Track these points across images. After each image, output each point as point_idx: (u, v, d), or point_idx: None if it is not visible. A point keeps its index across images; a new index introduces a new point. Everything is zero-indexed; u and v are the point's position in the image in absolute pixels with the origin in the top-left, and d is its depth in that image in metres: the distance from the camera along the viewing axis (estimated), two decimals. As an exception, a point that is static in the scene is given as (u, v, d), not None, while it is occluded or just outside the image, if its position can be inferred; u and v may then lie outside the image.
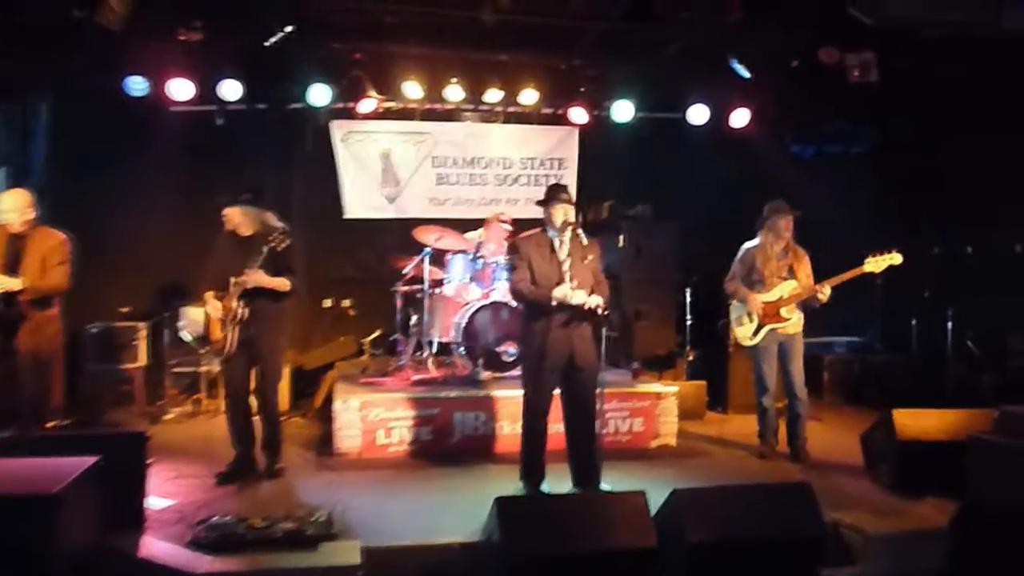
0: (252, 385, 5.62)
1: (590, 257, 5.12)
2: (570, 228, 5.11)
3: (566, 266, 5.08)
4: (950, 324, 7.74)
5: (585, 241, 5.05)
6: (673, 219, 8.65)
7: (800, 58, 7.47)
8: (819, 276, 6.18)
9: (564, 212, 5.14)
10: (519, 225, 7.90)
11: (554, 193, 5.20)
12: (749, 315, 6.35)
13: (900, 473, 5.29)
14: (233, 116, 7.73)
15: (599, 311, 4.93)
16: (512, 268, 5.17)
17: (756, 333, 6.29)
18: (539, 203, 5.26)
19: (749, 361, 6.54)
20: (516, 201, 8.93)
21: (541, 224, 5.28)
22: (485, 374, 6.97)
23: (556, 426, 5.72)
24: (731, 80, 7.86)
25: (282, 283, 5.46)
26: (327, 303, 8.68)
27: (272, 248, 5.32)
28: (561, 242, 5.16)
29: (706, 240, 8.50)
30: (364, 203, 8.66)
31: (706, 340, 8.12)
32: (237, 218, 5.51)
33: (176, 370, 7.55)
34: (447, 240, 7.52)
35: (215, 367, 7.33)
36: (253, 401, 5.67)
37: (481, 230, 7.84)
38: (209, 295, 5.50)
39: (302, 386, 7.79)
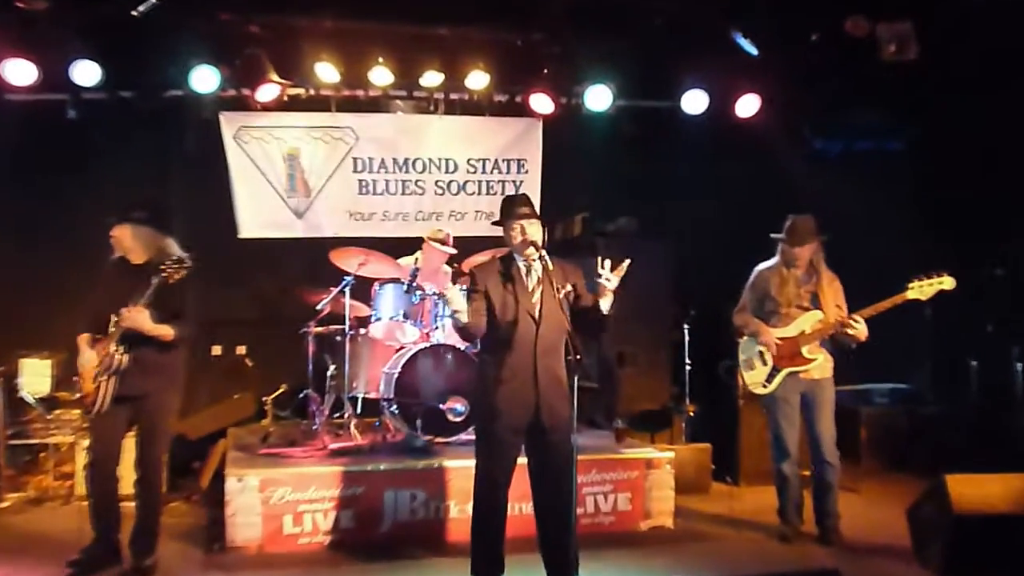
0: (133, 458, 5.60)
1: (569, 287, 5.22)
2: (536, 251, 5.19)
3: (535, 298, 5.17)
4: (1020, 366, 7.88)
5: (551, 266, 5.13)
6: (665, 236, 8.76)
7: (822, 31, 7.63)
8: (852, 306, 6.26)
9: (524, 230, 5.24)
10: (466, 246, 8.00)
11: (512, 206, 5.28)
12: (762, 356, 6.45)
13: (955, 555, 5.30)
14: (90, 107, 7.71)
15: (572, 355, 4.99)
16: (468, 299, 5.26)
17: (771, 379, 6.38)
18: (495, 222, 5.37)
19: (764, 416, 6.64)
20: (462, 215, 9.01)
21: (500, 244, 5.42)
22: (426, 439, 6.99)
23: (521, 505, 5.74)
24: (736, 59, 8.02)
25: (163, 332, 5.45)
26: (216, 351, 8.75)
27: (163, 281, 5.29)
28: (528, 268, 5.24)
29: (708, 262, 8.63)
30: (264, 219, 8.71)
31: (710, 390, 8.23)
32: (127, 241, 5.52)
33: (14, 442, 7.42)
34: (373, 266, 7.56)
35: (67, 437, 7.26)
36: (124, 475, 5.67)
37: (418, 253, 7.87)
38: (83, 339, 5.50)
39: (184, 460, 7.76)
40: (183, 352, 5.68)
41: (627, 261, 5.11)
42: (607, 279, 5.08)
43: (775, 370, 6.37)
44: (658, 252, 8.66)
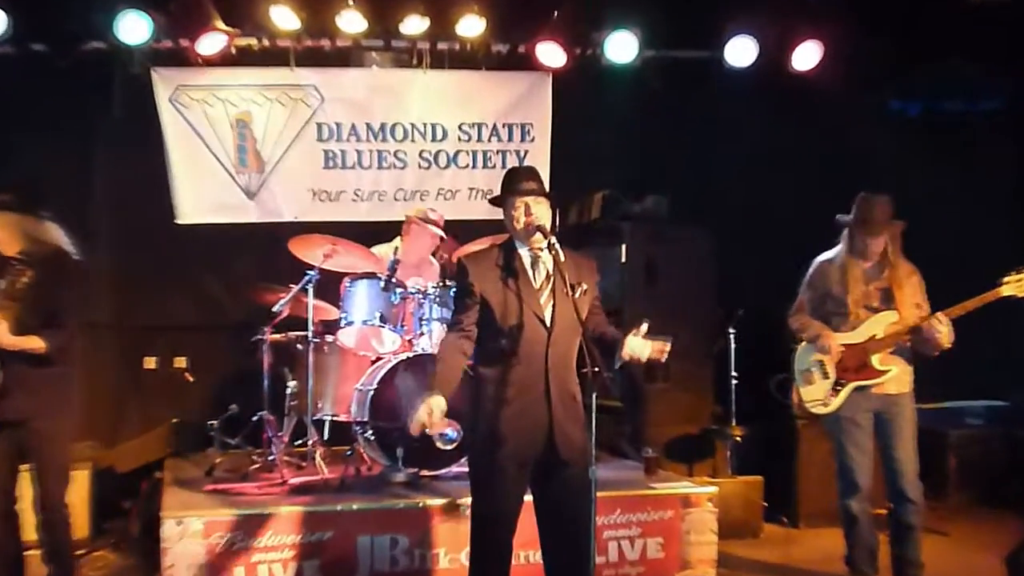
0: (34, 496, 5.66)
1: (583, 286, 5.19)
2: (544, 237, 5.18)
3: (543, 297, 5.16)
4: None
5: (563, 257, 5.11)
6: (704, 219, 8.79)
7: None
8: (936, 305, 6.28)
9: (530, 210, 5.20)
10: (459, 231, 8.08)
11: (515, 181, 5.22)
12: (822, 366, 6.48)
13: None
14: (-8, 63, 7.96)
15: (589, 367, 4.96)
16: (457, 301, 5.27)
17: (833, 395, 6.42)
18: (493, 201, 5.35)
19: (829, 442, 6.67)
20: (452, 194, 9.06)
21: (498, 230, 5.42)
22: (409, 473, 7.04)
23: (528, 553, 5.70)
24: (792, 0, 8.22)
25: (28, 344, 5.45)
26: (149, 364, 8.78)
27: (12, 282, 5.30)
28: (535, 260, 5.22)
29: (758, 252, 8.71)
30: (207, 201, 8.76)
31: (762, 410, 8.25)
32: None
33: None
34: (343, 257, 7.61)
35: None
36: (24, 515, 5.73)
37: (397, 240, 7.93)
38: None
39: (111, 499, 7.78)
40: (69, 367, 5.69)
41: (668, 344, 5.10)
42: (636, 352, 5.02)
43: (838, 384, 6.39)
44: (696, 240, 8.69)
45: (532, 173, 5.26)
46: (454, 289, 5.29)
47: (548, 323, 5.05)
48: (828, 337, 6.40)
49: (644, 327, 5.00)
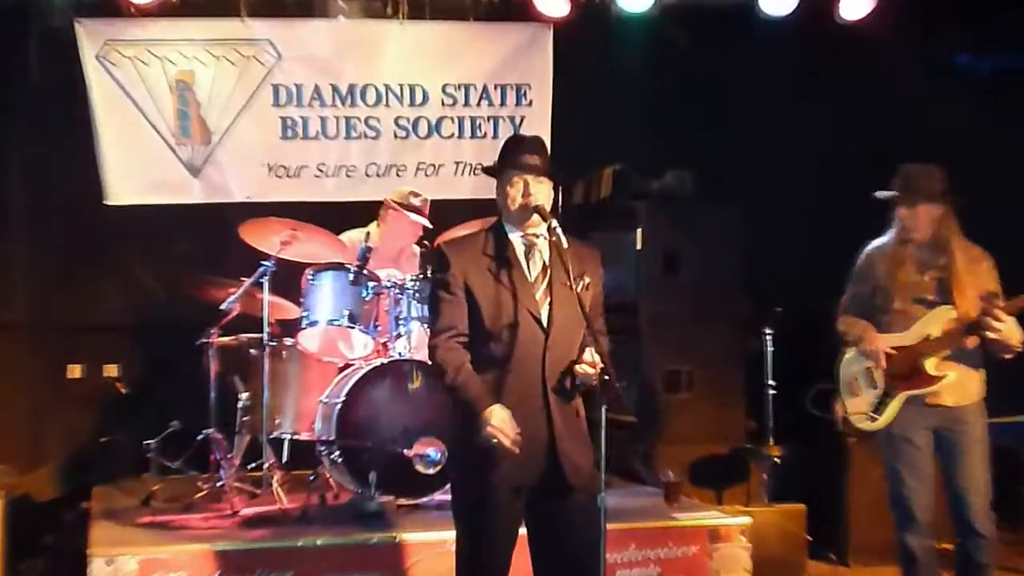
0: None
1: (586, 279, 5.19)
2: (543, 220, 5.18)
3: (539, 292, 5.16)
4: None
5: (565, 243, 5.12)
6: (734, 198, 8.85)
7: None
8: (1009, 296, 6.16)
9: (529, 189, 5.17)
10: (445, 214, 8.10)
11: (516, 153, 5.18)
12: (869, 375, 6.44)
13: None
14: None
15: (596, 379, 4.98)
16: (436, 301, 5.22)
17: (881, 407, 6.37)
18: (487, 170, 5.32)
19: (883, 464, 6.58)
20: (435, 168, 9.11)
21: (490, 212, 5.38)
22: (383, 501, 7.05)
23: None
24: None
25: None
26: (73, 372, 8.81)
27: None
28: (529, 247, 5.23)
29: (799, 238, 8.85)
30: (143, 178, 8.77)
31: (804, 425, 7.96)
32: None
33: None
34: (305, 245, 7.64)
35: None
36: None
37: (373, 225, 8.01)
38: None
39: (29, 533, 7.73)
40: None
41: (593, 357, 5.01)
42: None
43: (887, 394, 6.33)
44: (725, 223, 8.74)
45: (537, 146, 5.23)
46: (432, 283, 5.24)
47: (545, 322, 5.03)
48: (872, 338, 6.33)
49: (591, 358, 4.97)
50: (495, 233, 5.16)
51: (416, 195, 7.92)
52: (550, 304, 5.03)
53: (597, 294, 5.21)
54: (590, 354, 4.92)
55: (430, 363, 5.13)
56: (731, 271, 8.73)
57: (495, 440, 4.79)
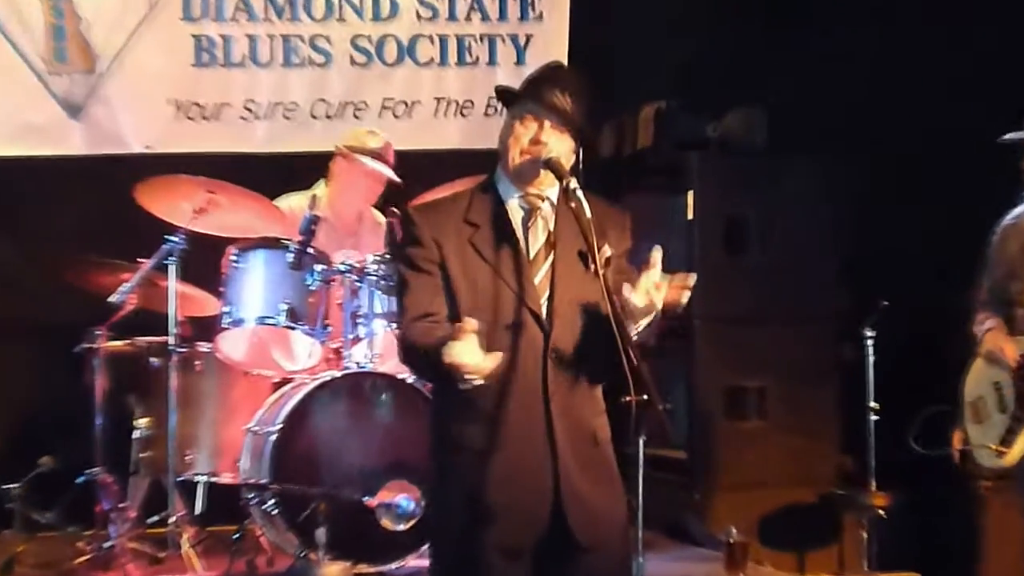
0: None
1: (607, 251, 4.98)
2: (557, 179, 5.03)
3: (538, 277, 5.02)
4: None
5: (588, 212, 4.91)
6: (826, 148, 8.98)
7: None
8: None
9: (542, 135, 5.02)
10: (421, 171, 8.25)
11: (541, 84, 5.10)
12: (998, 392, 6.55)
13: None
14: None
15: (631, 396, 4.75)
16: (402, 284, 5.16)
17: (1011, 437, 6.42)
18: (501, 94, 5.28)
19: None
20: (408, 107, 9.22)
21: (486, 168, 5.31)
22: (334, 569, 6.94)
23: None
24: None
25: None
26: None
27: None
28: (530, 213, 5.10)
29: (914, 205, 8.78)
30: (4, 119, 8.88)
31: (919, 463, 7.99)
32: None
33: None
34: (227, 213, 7.71)
35: None
36: None
37: (321, 186, 8.14)
38: None
39: None
40: None
41: (691, 279, 4.88)
42: (640, 302, 4.81)
43: (1017, 420, 6.42)
44: (812, 183, 8.86)
45: (574, 85, 5.12)
46: (401, 259, 5.16)
47: (544, 316, 4.95)
48: (998, 339, 6.47)
49: (656, 255, 4.78)
50: (484, 194, 5.13)
51: (372, 133, 8.01)
52: (552, 290, 4.97)
53: (624, 269, 5.13)
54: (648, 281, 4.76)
55: (402, 357, 5.16)
56: (820, 250, 8.81)
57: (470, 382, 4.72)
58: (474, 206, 5.07)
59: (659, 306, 4.82)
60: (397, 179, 7.93)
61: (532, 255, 4.99)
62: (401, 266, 5.15)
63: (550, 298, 4.95)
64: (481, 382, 4.71)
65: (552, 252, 5.01)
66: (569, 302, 4.95)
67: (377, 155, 7.90)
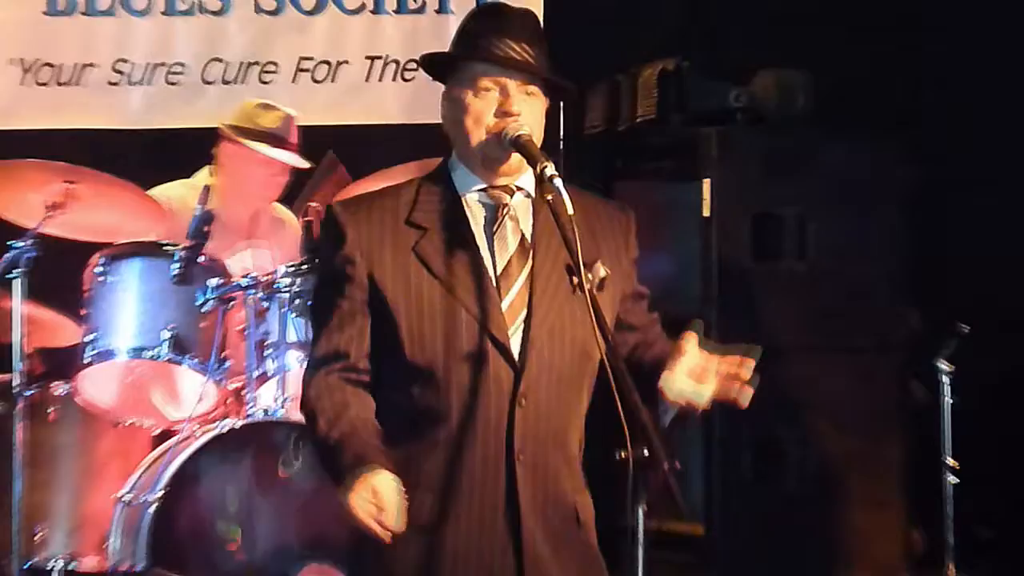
0: None
1: (600, 273, 5.03)
2: (528, 164, 5.01)
3: (508, 298, 5.01)
4: None
5: (570, 208, 4.91)
6: (884, 125, 9.10)
7: None
8: None
9: (509, 103, 4.99)
10: (351, 154, 8.63)
11: (484, 34, 4.99)
12: None
13: None
14: None
15: (628, 450, 4.76)
16: (313, 309, 5.24)
17: None
18: (430, 62, 5.21)
19: None
20: (333, 69, 9.44)
21: (433, 151, 5.34)
22: None
23: None
24: None
25: None
26: None
27: None
28: (496, 213, 5.10)
29: (1007, 206, 9.12)
30: None
31: (1009, 544, 8.50)
32: None
33: None
34: (89, 210, 7.77)
35: None
36: None
37: (204, 172, 8.33)
38: None
39: None
40: None
41: (752, 360, 4.80)
42: (686, 391, 4.80)
43: None
44: (863, 169, 8.88)
45: (528, 27, 5.05)
46: (318, 274, 5.15)
47: (517, 352, 4.92)
48: None
49: (693, 338, 4.80)
50: (435, 186, 5.07)
51: (269, 108, 8.16)
52: (528, 316, 4.93)
53: (626, 289, 5.15)
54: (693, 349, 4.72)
55: (306, 411, 5.03)
56: (877, 256, 8.83)
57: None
58: (420, 203, 5.00)
59: (703, 405, 4.79)
60: (303, 164, 8.09)
61: (499, 268, 4.98)
62: (319, 283, 5.26)
63: (524, 326, 4.98)
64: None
65: (528, 263, 5.05)
66: (550, 332, 4.89)
67: (273, 137, 8.02)
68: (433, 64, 5.13)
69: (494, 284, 4.92)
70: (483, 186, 4.99)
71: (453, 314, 4.90)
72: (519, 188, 4.98)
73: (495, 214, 4.99)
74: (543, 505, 4.90)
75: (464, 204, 5.00)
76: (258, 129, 7.94)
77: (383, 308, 4.93)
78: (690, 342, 4.72)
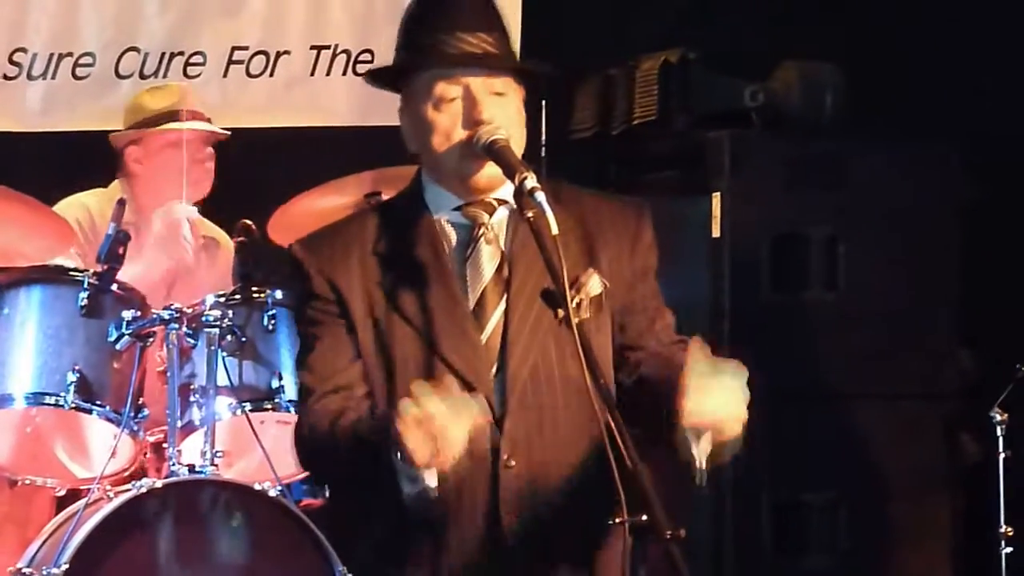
0: None
1: (594, 289, 5.12)
2: (507, 176, 5.01)
3: (486, 332, 5.11)
4: None
5: (554, 227, 4.85)
6: (927, 131, 9.18)
7: None
8: None
9: (478, 107, 5.06)
10: (298, 165, 8.84)
11: (437, 27, 5.18)
12: None
13: None
14: None
15: (623, 516, 4.64)
16: (302, 350, 5.37)
17: None
18: (376, 74, 5.43)
19: None
20: (271, 61, 9.70)
21: (386, 153, 5.27)
22: None
23: None
24: None
25: None
26: None
27: None
28: (471, 235, 5.19)
29: None
30: None
31: None
32: None
33: None
34: None
35: None
36: None
37: (115, 184, 8.46)
38: None
39: None
40: None
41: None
42: (706, 416, 4.81)
43: None
44: (902, 183, 8.87)
45: (472, 4, 5.24)
46: (297, 313, 5.42)
47: (496, 399, 4.94)
48: None
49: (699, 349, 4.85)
50: (401, 210, 5.36)
51: (157, 89, 8.61)
52: (504, 350, 5.02)
53: (627, 302, 5.27)
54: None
55: (302, 456, 5.41)
56: (924, 290, 8.76)
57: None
58: (385, 230, 5.06)
59: (733, 428, 4.77)
60: (223, 133, 8.35)
61: (472, 299, 5.07)
62: (299, 321, 5.41)
63: (500, 366, 4.87)
64: (435, 486, 4.80)
65: (505, 292, 5.06)
66: (533, 371, 4.90)
67: (173, 113, 8.24)
68: (383, 73, 5.40)
69: (470, 318, 5.08)
70: (459, 204, 4.97)
71: (422, 357, 4.92)
72: (501, 202, 5.00)
73: (469, 237, 5.01)
74: None
75: (435, 228, 4.99)
76: (155, 114, 8.07)
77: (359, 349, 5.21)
78: (696, 352, 4.83)
